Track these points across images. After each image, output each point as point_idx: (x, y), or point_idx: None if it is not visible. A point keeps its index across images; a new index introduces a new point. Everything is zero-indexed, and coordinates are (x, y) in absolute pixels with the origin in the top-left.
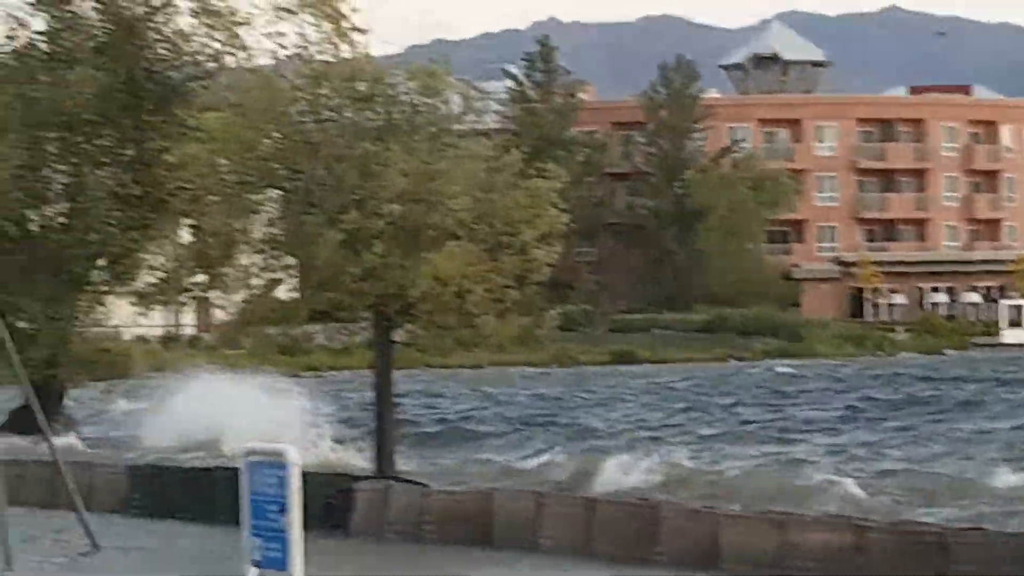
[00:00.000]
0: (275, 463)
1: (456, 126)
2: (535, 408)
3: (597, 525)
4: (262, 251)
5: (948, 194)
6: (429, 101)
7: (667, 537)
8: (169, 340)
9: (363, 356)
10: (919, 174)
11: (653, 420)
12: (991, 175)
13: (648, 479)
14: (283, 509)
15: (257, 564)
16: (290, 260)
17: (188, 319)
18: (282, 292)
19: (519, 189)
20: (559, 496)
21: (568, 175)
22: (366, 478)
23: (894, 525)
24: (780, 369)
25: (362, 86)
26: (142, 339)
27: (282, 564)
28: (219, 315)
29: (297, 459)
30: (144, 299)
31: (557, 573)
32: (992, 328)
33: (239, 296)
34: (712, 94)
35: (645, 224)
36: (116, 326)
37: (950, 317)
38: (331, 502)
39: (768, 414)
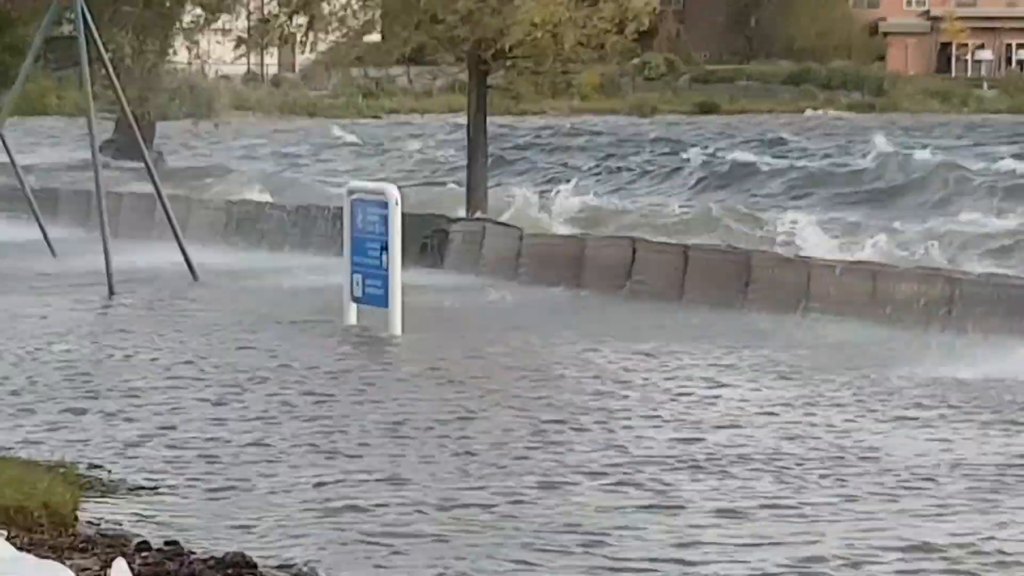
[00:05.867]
0: (377, 201)
1: None
2: None
3: (689, 271)
4: None
5: None
6: None
7: (758, 283)
8: (253, 79)
9: (445, 100)
10: None
11: None
12: None
13: None
14: (384, 247)
15: (357, 300)
16: (386, 1)
17: (271, 59)
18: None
19: None
20: (652, 243)
21: None
22: (461, 219)
23: (985, 276)
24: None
25: None
26: (226, 78)
27: (383, 301)
28: (303, 56)
29: (398, 198)
30: (245, 42)
31: (648, 314)
32: None
33: (332, 37)
34: None
35: None
36: (201, 62)
37: None
38: (426, 242)
39: None
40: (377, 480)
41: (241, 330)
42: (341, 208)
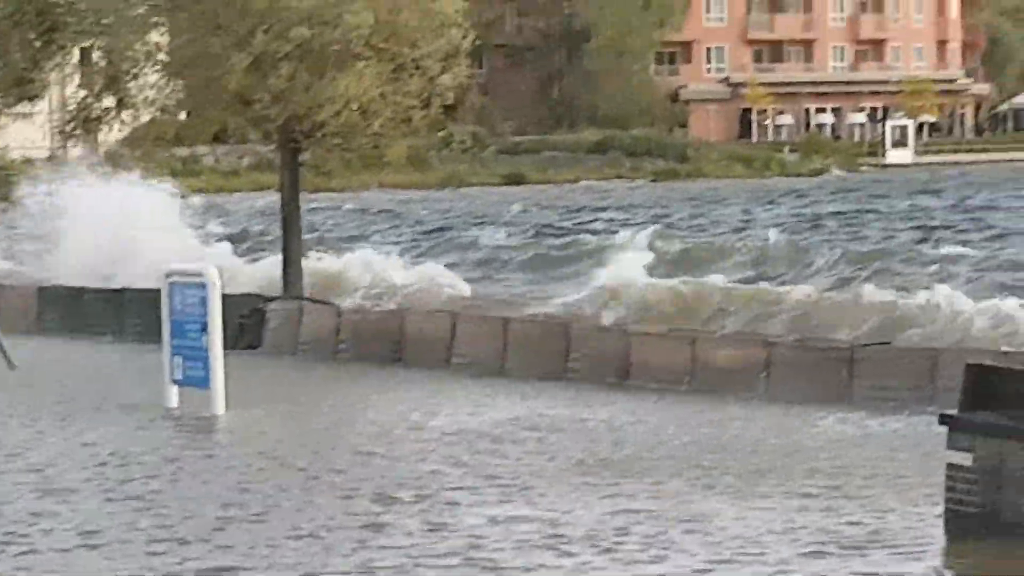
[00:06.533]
0: (196, 283)
1: None
2: None
3: (510, 343)
4: (168, 72)
5: (834, 15)
6: None
7: (578, 354)
8: (55, 161)
9: (253, 179)
10: None
11: None
12: None
13: None
14: (204, 328)
15: (178, 382)
16: (196, 81)
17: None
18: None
19: (422, 10)
20: (472, 316)
21: None
22: (278, 298)
23: (801, 341)
24: None
25: None
26: (28, 161)
27: (204, 382)
28: (107, 137)
29: (218, 279)
30: (64, 132)
31: (471, 388)
32: (877, 148)
33: (144, 117)
34: None
35: (533, 44)
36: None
37: (836, 137)
38: (243, 322)
39: None
40: (211, 571)
41: (62, 418)
42: (159, 291)
